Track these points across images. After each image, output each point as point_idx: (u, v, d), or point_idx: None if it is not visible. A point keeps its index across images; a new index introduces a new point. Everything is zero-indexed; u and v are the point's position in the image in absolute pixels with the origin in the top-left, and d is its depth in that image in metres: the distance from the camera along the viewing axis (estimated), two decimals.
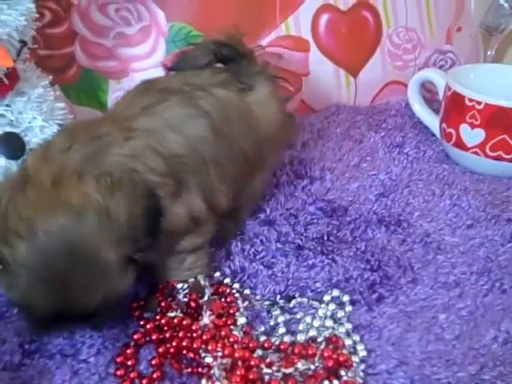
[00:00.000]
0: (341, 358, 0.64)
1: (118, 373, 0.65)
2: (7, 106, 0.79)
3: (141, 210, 0.60)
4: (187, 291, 0.70)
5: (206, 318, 0.68)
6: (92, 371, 0.65)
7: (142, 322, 0.70)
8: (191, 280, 0.71)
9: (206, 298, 0.70)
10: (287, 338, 0.68)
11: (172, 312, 0.69)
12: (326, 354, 0.64)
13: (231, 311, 0.70)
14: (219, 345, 0.64)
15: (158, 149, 0.66)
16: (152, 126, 0.68)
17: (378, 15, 1.23)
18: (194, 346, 0.64)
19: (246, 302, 0.72)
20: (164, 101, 0.72)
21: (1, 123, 0.77)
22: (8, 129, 0.78)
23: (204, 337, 0.65)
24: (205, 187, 0.71)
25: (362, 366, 0.65)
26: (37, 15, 0.81)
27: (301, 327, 0.70)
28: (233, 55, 0.82)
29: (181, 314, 0.68)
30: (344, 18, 1.20)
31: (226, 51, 0.82)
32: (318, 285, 0.77)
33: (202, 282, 0.72)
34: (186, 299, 0.70)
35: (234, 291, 0.74)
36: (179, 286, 0.71)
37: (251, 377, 0.61)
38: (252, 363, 0.62)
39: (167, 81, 0.80)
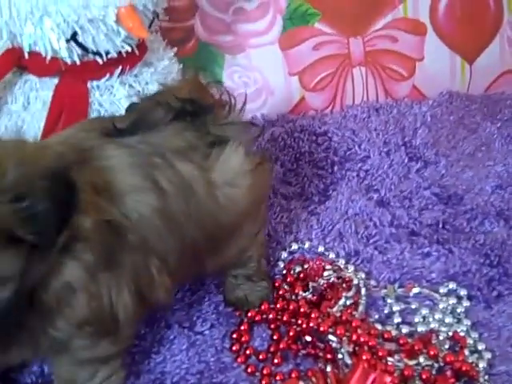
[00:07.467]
0: (463, 368, 0.62)
1: (234, 348, 0.66)
2: (135, 76, 0.80)
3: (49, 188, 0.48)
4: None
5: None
6: (209, 343, 0.66)
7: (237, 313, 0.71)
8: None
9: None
10: (405, 329, 0.67)
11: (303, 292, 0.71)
12: (448, 359, 0.63)
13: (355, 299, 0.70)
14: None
15: None
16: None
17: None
18: (321, 329, 0.64)
19: (364, 290, 0.71)
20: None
21: (129, 94, 0.79)
22: (135, 99, 0.78)
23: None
24: (141, 277, 0.58)
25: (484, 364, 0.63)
26: None
27: (416, 319, 0.69)
28: (197, 109, 0.66)
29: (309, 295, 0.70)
30: (464, 1, 1.15)
31: (189, 107, 0.65)
32: (433, 275, 0.75)
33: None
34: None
35: (357, 279, 0.73)
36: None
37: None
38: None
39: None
